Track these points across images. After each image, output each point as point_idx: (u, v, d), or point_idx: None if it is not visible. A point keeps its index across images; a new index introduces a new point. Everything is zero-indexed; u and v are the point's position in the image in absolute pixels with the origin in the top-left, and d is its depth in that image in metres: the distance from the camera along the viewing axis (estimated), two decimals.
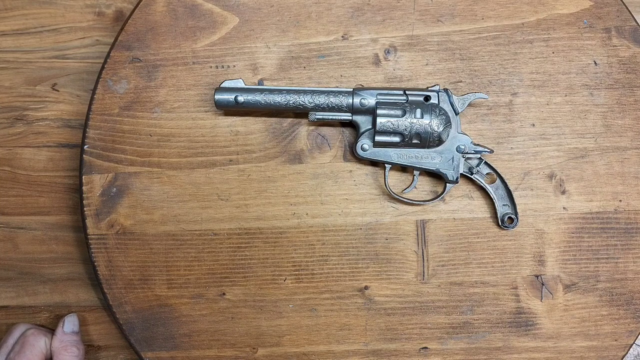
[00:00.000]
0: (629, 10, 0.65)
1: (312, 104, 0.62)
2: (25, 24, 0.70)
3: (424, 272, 0.65)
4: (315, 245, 0.65)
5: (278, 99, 0.62)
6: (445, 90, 0.63)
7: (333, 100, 0.62)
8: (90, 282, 0.70)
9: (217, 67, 0.66)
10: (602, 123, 0.65)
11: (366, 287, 0.65)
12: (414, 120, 0.62)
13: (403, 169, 0.66)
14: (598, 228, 0.64)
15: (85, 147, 0.65)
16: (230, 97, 0.62)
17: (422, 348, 0.65)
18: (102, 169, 0.65)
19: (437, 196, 0.65)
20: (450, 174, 0.64)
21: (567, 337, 0.64)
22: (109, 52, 0.66)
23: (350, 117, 0.64)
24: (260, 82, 0.66)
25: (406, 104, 0.62)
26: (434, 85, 0.63)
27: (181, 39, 0.66)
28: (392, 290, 0.65)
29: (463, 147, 0.63)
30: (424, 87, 0.65)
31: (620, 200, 0.64)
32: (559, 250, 0.65)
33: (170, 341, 0.65)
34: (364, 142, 0.63)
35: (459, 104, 0.63)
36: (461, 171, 0.64)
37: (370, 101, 0.63)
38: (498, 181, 0.65)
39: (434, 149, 0.63)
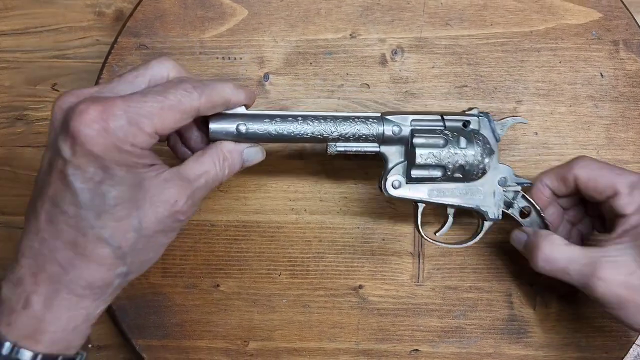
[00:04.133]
0: (638, 24, 0.65)
1: (336, 134, 0.53)
2: (25, 23, 0.70)
3: (419, 274, 0.65)
4: (311, 241, 0.65)
5: (293, 128, 0.52)
6: (486, 114, 0.57)
7: (360, 128, 0.53)
8: None
9: (223, 58, 0.66)
10: (605, 135, 0.65)
11: (360, 287, 0.65)
12: (458, 151, 0.54)
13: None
14: None
15: None
16: (230, 126, 0.51)
17: (413, 350, 0.65)
18: None
19: (475, 236, 0.60)
20: (492, 211, 0.57)
21: (558, 347, 0.64)
22: (116, 38, 0.66)
23: (378, 149, 0.55)
24: (266, 76, 0.66)
25: (446, 131, 0.55)
26: (472, 109, 0.57)
27: (189, 28, 0.66)
28: (386, 290, 0.65)
29: (505, 178, 0.57)
30: (436, 94, 0.64)
31: None
32: None
33: (162, 330, 0.65)
34: (396, 178, 0.55)
35: (498, 129, 0.57)
36: (502, 206, 0.57)
37: (405, 129, 0.54)
38: (532, 215, 0.59)
39: (474, 183, 0.56)
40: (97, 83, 0.66)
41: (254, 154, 0.53)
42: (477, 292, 0.65)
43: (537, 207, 0.58)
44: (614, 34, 0.65)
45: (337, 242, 0.65)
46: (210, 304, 0.65)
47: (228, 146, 0.51)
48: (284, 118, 0.52)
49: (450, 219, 0.58)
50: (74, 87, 0.69)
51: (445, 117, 0.56)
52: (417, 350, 0.65)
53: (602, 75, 0.65)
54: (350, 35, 0.66)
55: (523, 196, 0.58)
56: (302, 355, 0.65)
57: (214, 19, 0.66)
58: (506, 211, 0.58)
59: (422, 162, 0.54)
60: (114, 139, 0.42)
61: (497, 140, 0.57)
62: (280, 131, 0.52)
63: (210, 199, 0.65)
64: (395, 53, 0.66)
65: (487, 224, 0.58)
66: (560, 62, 0.65)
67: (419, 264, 0.65)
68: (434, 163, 0.54)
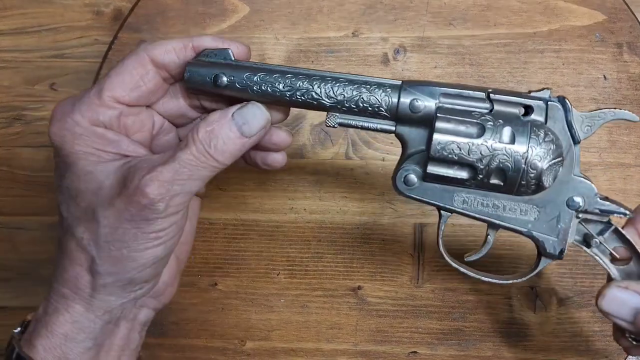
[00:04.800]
0: None
1: (333, 100, 0.41)
2: (23, 23, 0.70)
3: (418, 275, 0.65)
4: (311, 241, 0.65)
5: (280, 86, 0.42)
6: (561, 99, 0.41)
7: (367, 96, 0.41)
8: None
9: None
10: (607, 138, 0.65)
11: (359, 287, 0.65)
12: (497, 146, 0.39)
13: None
14: None
15: None
16: (208, 73, 0.42)
17: (412, 352, 0.65)
18: None
19: (526, 274, 0.45)
20: (550, 243, 0.41)
21: (557, 350, 0.64)
22: (116, 33, 0.65)
23: (393, 128, 0.42)
24: None
25: (487, 116, 0.40)
26: (542, 90, 0.41)
27: (191, 24, 0.65)
28: (385, 292, 0.65)
29: (579, 200, 0.40)
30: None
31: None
32: (556, 264, 0.64)
33: (159, 328, 0.65)
34: (411, 172, 0.42)
35: (582, 125, 0.40)
36: (570, 240, 0.41)
37: (428, 105, 0.41)
38: (633, 264, 0.41)
39: (527, 198, 0.41)
40: (95, 82, 0.65)
41: (250, 114, 0.43)
42: (476, 295, 0.64)
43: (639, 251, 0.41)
44: (617, 36, 0.65)
45: (336, 242, 0.65)
46: (207, 302, 0.65)
47: (212, 117, 0.42)
48: (270, 72, 0.42)
49: (490, 241, 0.45)
50: (72, 86, 0.70)
51: (493, 96, 0.40)
52: (415, 352, 0.65)
53: (605, 77, 0.65)
54: (352, 33, 0.65)
55: (617, 231, 0.41)
56: (300, 355, 0.65)
57: (216, 16, 0.65)
58: (585, 250, 0.42)
59: (439, 155, 0.40)
60: (69, 124, 0.42)
61: (576, 141, 0.40)
62: (264, 88, 0.42)
63: (209, 196, 0.65)
64: (398, 52, 0.65)
65: (544, 261, 0.42)
66: (563, 64, 0.65)
67: (418, 265, 0.65)
68: (456, 158, 0.40)
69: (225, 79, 0.42)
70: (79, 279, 0.43)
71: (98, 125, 0.42)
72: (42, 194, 0.69)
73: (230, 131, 0.42)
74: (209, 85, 0.43)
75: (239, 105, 0.43)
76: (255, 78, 0.42)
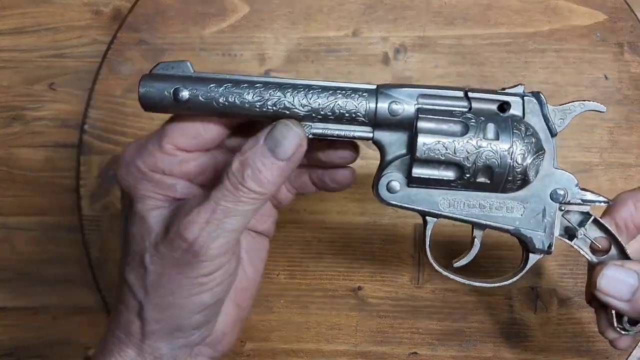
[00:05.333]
0: None
1: (307, 108, 0.39)
2: (23, 22, 0.69)
3: (418, 276, 0.64)
4: (311, 242, 0.65)
5: (249, 96, 0.39)
6: (536, 94, 0.41)
7: (342, 103, 0.39)
8: (88, 284, 0.68)
9: (224, 55, 0.65)
10: (609, 138, 0.64)
11: (360, 288, 0.64)
12: (483, 143, 0.39)
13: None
14: None
15: (85, 126, 0.65)
16: (165, 88, 0.39)
17: (412, 353, 0.64)
18: (100, 150, 0.65)
19: (515, 274, 0.45)
20: (539, 239, 0.41)
21: (558, 351, 0.64)
22: (115, 33, 0.65)
23: (371, 134, 0.41)
24: (267, 73, 0.65)
25: (469, 115, 0.40)
26: (516, 86, 0.42)
27: (190, 24, 0.65)
28: (385, 292, 0.64)
29: (562, 192, 0.41)
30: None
31: None
32: (557, 264, 0.64)
33: None
34: (393, 178, 0.41)
35: (556, 118, 0.41)
36: (557, 233, 0.42)
37: (408, 107, 0.40)
38: (612, 252, 0.43)
39: (512, 194, 0.41)
40: (95, 81, 0.65)
41: (279, 134, 0.39)
42: (477, 295, 0.64)
43: (619, 239, 0.42)
44: (618, 36, 0.65)
45: (336, 242, 0.64)
46: None
47: (245, 146, 0.39)
48: (237, 84, 0.39)
49: (477, 245, 0.44)
50: (71, 86, 0.69)
51: (471, 94, 0.41)
52: (415, 353, 0.64)
53: (606, 77, 0.65)
54: (352, 33, 0.65)
55: (596, 221, 0.42)
56: (300, 356, 0.65)
57: (215, 15, 0.65)
58: (567, 242, 0.42)
59: (425, 156, 0.39)
60: (133, 169, 0.40)
61: (553, 134, 0.41)
62: (230, 100, 0.39)
63: None
64: (398, 52, 0.65)
65: (532, 257, 0.42)
66: (564, 64, 0.65)
67: (419, 265, 0.64)
68: (443, 158, 0.39)
69: (186, 92, 0.39)
70: (130, 324, 0.42)
71: (157, 172, 0.41)
72: (41, 194, 0.69)
73: (263, 157, 0.39)
74: (169, 101, 0.39)
75: (269, 127, 0.39)
76: (220, 89, 0.39)
